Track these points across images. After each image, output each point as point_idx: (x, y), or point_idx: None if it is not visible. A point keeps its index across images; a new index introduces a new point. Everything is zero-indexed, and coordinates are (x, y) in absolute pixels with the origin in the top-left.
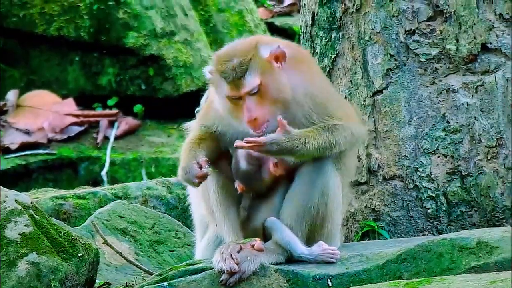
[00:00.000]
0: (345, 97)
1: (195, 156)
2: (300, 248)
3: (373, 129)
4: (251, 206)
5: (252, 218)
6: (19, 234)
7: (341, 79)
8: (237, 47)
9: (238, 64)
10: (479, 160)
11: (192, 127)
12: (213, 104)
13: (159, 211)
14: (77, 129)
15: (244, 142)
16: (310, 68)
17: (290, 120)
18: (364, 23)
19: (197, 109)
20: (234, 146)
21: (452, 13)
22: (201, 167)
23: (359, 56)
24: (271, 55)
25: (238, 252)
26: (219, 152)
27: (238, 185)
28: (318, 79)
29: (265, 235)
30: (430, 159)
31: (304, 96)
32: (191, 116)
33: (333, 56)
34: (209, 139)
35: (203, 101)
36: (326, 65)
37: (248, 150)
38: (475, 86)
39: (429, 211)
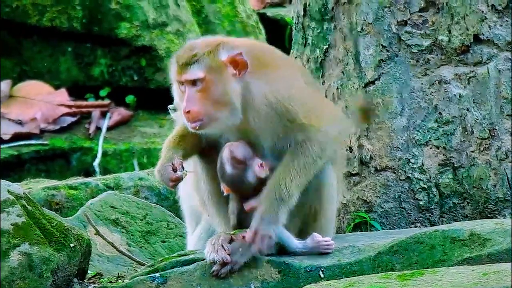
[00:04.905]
0: (337, 88)
1: (171, 158)
2: (294, 243)
3: None
4: (240, 211)
5: (243, 223)
6: (11, 225)
7: (333, 70)
8: (201, 42)
9: (191, 54)
10: (472, 151)
11: (176, 121)
12: None
13: (150, 202)
14: (69, 119)
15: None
16: (274, 72)
17: (250, 128)
18: (356, 14)
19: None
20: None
21: (444, 4)
22: (175, 170)
23: (351, 47)
24: (228, 58)
25: (230, 243)
26: (203, 145)
27: (224, 187)
28: (282, 84)
29: None
30: (422, 150)
31: (262, 104)
32: None
33: (325, 47)
34: (191, 134)
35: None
36: (318, 56)
37: (233, 153)
38: (468, 78)
39: (421, 202)
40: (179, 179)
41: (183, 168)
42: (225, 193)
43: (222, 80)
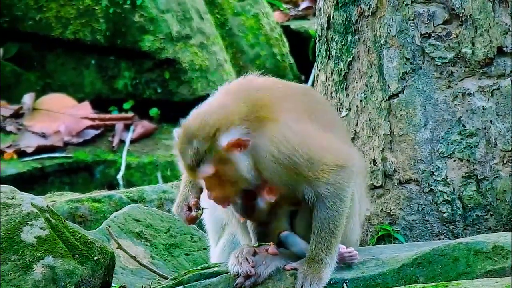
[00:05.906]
0: (361, 101)
1: (187, 197)
2: None
3: (389, 133)
4: (260, 232)
5: (264, 241)
6: (35, 238)
7: (356, 82)
8: (197, 129)
9: (193, 154)
10: (495, 164)
11: None
12: None
13: (174, 215)
14: (93, 132)
15: None
16: (275, 125)
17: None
18: (380, 27)
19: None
20: None
21: (468, 16)
22: (191, 209)
23: (374, 60)
24: (228, 145)
25: (253, 256)
26: None
27: (238, 216)
28: (284, 137)
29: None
30: (445, 163)
31: (269, 162)
32: None
33: (348, 59)
34: None
35: None
36: (341, 69)
37: None
38: (491, 90)
39: (444, 215)
40: (194, 219)
41: (197, 208)
42: (241, 221)
43: (231, 163)
